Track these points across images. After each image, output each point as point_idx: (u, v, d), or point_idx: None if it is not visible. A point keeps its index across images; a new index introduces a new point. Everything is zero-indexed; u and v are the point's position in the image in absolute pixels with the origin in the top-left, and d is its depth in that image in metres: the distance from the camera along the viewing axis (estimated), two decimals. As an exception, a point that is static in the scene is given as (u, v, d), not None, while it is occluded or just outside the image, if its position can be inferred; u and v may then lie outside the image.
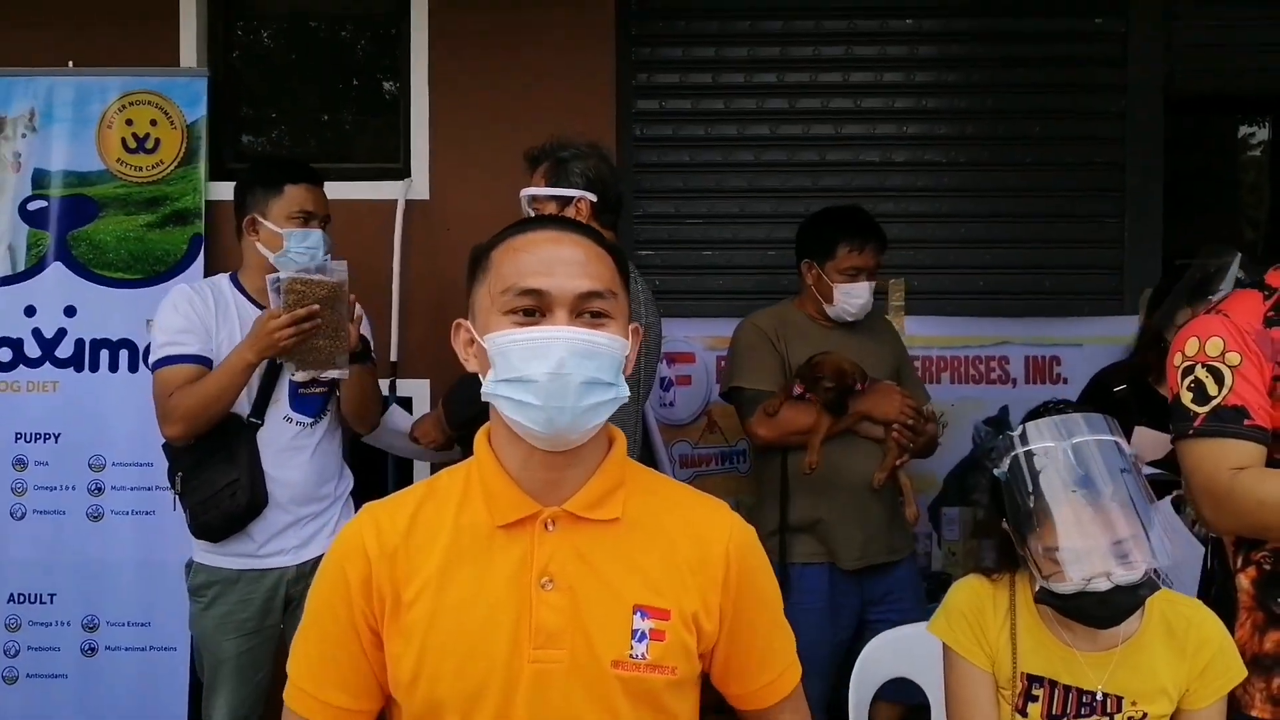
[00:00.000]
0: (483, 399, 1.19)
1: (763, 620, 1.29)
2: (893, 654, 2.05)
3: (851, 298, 2.62)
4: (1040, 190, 3.26)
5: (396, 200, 3.06)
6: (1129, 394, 2.64)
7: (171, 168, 3.04)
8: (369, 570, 1.20)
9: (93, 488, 2.96)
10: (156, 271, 3.00)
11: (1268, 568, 1.66)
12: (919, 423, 2.56)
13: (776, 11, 3.28)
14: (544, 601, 1.17)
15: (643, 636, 1.18)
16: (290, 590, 2.39)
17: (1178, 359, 1.67)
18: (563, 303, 1.15)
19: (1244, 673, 1.55)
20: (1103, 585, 1.43)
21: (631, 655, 1.17)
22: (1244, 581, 1.68)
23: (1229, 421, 1.58)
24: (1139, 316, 3.15)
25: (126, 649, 2.93)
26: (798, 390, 2.56)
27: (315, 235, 2.39)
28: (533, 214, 2.38)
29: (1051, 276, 3.27)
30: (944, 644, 1.65)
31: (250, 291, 2.42)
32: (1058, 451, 1.48)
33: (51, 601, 2.95)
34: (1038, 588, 1.52)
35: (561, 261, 1.17)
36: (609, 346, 1.16)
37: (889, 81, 3.29)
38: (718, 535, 1.25)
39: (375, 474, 2.86)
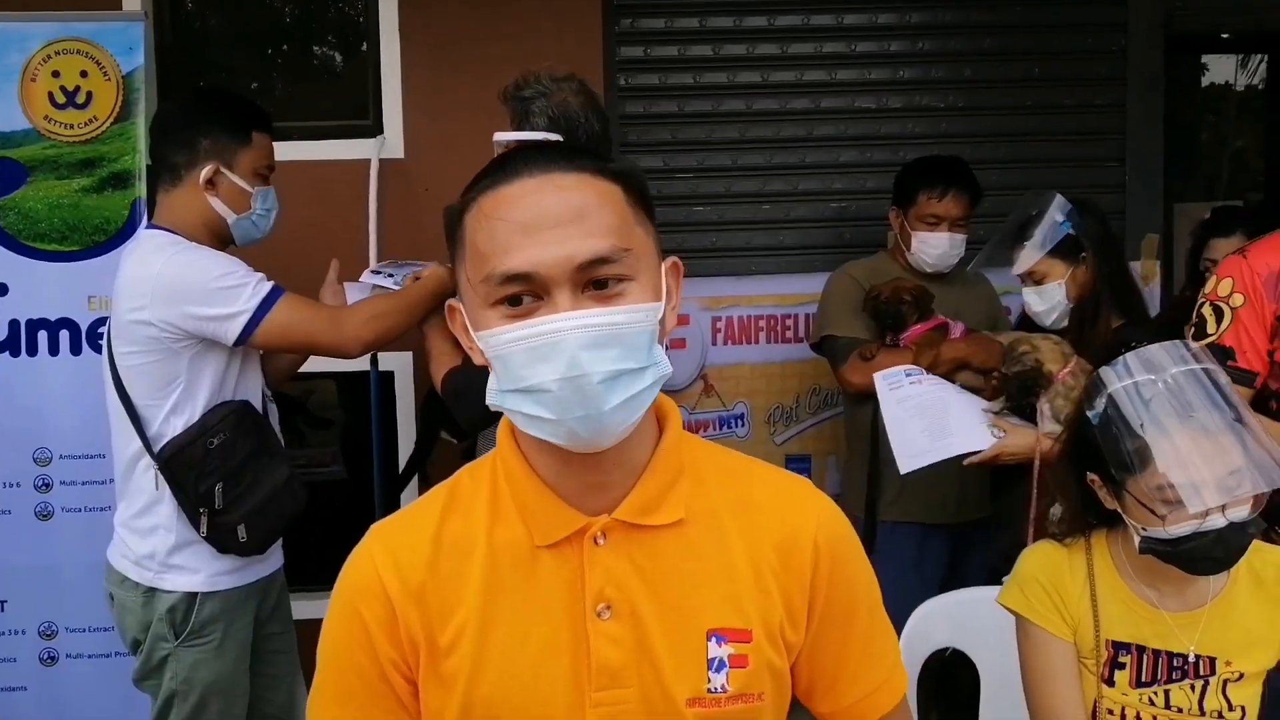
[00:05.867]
0: (489, 407, 0.97)
1: (858, 622, 1.07)
2: (944, 620, 1.93)
3: (928, 246, 2.55)
4: (1040, 134, 3.16)
5: (369, 160, 2.82)
6: None
7: (106, 124, 2.71)
8: (391, 613, 0.99)
9: (39, 483, 2.70)
10: (96, 241, 2.69)
11: None
12: None
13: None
14: (602, 633, 0.98)
15: (721, 665, 0.99)
16: None
17: (1201, 293, 1.89)
18: (560, 281, 0.90)
19: None
20: (1218, 522, 1.35)
21: (710, 689, 0.98)
22: None
23: (1217, 359, 1.62)
24: (1139, 263, 3.08)
25: (90, 656, 2.69)
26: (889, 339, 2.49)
27: (272, 194, 2.08)
28: None
29: (1053, 223, 3.17)
30: (1018, 616, 1.55)
31: None
32: (1159, 383, 1.40)
33: (3, 610, 2.69)
34: (1140, 538, 1.43)
35: (547, 223, 0.90)
36: (631, 323, 0.91)
37: (884, 23, 3.15)
38: (803, 523, 1.03)
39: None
